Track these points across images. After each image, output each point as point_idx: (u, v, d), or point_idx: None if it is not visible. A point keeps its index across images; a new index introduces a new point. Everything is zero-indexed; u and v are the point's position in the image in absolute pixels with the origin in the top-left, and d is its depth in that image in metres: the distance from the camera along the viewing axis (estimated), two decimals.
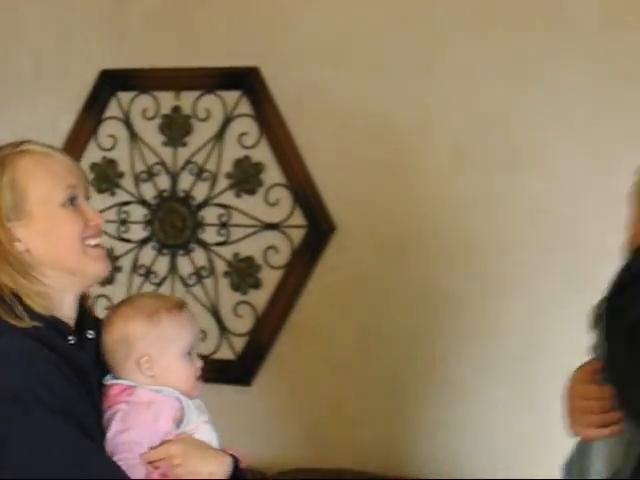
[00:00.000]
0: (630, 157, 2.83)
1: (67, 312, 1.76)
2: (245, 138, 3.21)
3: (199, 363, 1.85)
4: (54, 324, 1.72)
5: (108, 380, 1.80)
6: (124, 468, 1.67)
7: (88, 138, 3.38)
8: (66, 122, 3.39)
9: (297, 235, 3.16)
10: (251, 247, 3.20)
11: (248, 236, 3.21)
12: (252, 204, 3.20)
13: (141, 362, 1.78)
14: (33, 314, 1.69)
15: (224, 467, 1.78)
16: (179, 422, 1.78)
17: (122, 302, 1.86)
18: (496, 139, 2.95)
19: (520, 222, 2.93)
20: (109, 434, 1.72)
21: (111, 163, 3.36)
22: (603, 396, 1.75)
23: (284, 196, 3.17)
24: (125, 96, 3.34)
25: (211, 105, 3.24)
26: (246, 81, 3.17)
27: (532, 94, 2.90)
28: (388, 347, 3.06)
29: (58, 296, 1.75)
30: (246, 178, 3.20)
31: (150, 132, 3.30)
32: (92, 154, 3.38)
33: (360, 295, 3.12)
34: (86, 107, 3.37)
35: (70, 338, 1.73)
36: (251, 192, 3.21)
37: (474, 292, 2.98)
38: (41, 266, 1.72)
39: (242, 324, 3.23)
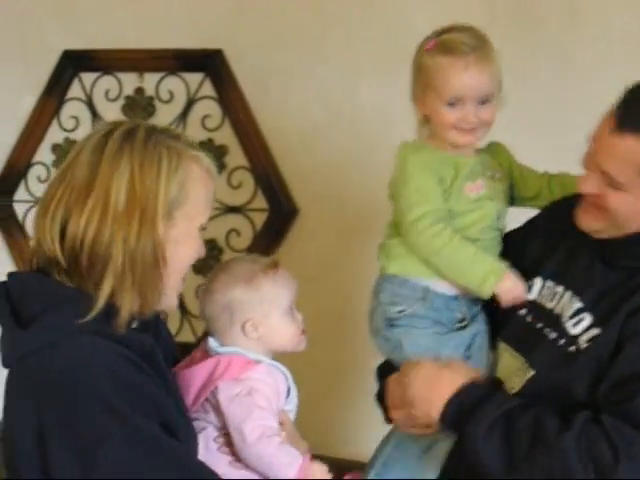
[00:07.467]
0: None
1: None
2: (208, 120, 3.21)
3: (300, 317, 1.87)
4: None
5: (218, 348, 1.82)
6: (274, 452, 1.69)
7: (50, 119, 3.37)
8: (28, 103, 3.37)
9: (259, 218, 3.16)
10: (213, 230, 3.18)
11: (210, 219, 3.11)
12: (215, 187, 3.17)
13: (246, 327, 1.80)
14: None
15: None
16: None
17: (218, 269, 1.86)
18: None
19: None
20: (243, 418, 1.72)
21: (73, 144, 3.30)
22: None
23: (247, 179, 3.17)
24: (88, 77, 3.32)
25: (174, 87, 3.23)
26: (209, 63, 3.16)
27: None
28: (349, 331, 3.06)
29: None
30: None
31: (113, 113, 3.27)
32: (54, 135, 3.36)
33: (322, 279, 3.12)
34: (48, 88, 3.35)
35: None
36: None
37: None
38: None
39: None
